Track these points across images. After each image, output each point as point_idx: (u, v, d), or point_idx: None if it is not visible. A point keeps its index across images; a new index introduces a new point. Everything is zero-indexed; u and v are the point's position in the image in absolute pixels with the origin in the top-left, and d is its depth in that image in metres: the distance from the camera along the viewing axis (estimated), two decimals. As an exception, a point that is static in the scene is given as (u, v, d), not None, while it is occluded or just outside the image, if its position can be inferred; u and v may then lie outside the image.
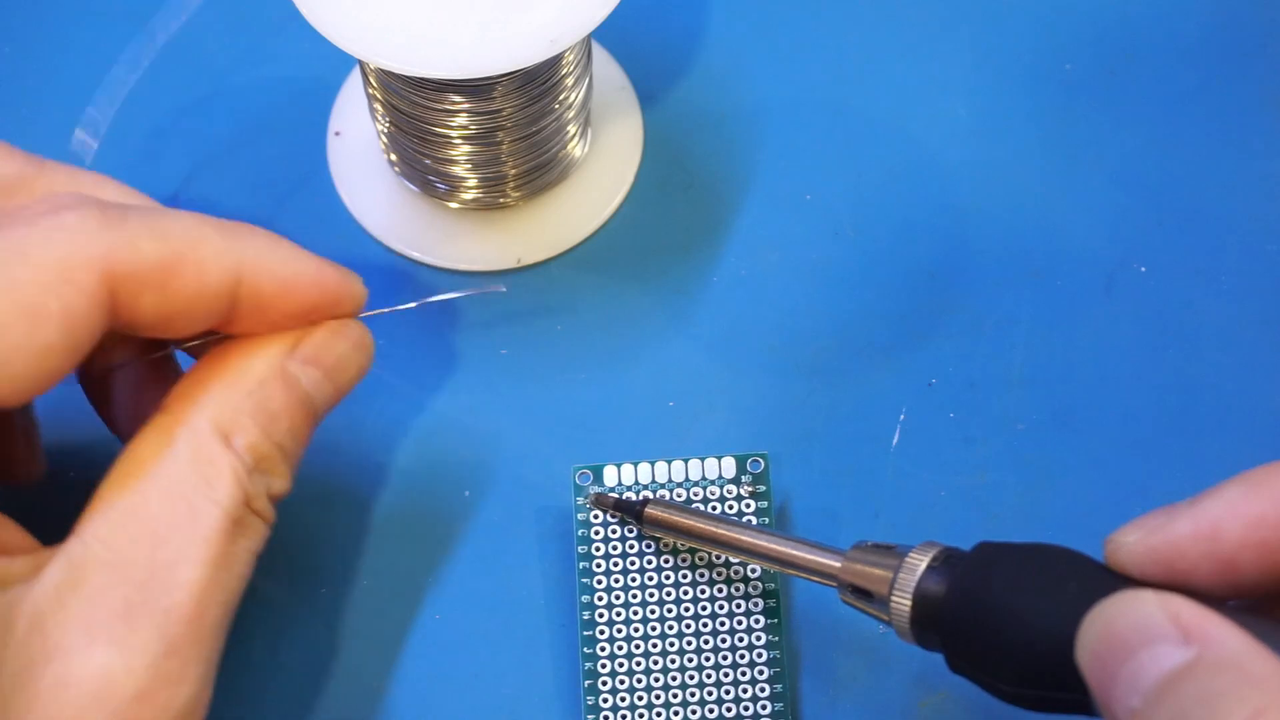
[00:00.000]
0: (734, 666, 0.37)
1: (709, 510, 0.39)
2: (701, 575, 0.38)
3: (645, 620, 0.38)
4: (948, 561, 0.31)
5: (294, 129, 0.46)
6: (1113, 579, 0.29)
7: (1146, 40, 0.47)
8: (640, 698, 0.37)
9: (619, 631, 0.38)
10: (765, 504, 0.39)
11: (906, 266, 0.44)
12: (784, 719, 0.37)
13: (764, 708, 0.37)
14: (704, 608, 0.38)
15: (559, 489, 0.40)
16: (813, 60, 0.47)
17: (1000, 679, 0.29)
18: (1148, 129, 0.46)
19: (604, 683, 0.37)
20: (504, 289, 0.41)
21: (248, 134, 0.46)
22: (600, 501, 0.39)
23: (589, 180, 0.45)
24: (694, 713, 0.37)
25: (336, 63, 0.46)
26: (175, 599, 0.30)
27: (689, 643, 0.38)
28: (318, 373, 0.34)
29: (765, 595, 0.38)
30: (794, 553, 0.35)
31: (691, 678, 0.37)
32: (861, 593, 0.33)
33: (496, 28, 0.37)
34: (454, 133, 0.41)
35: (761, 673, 0.37)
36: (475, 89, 0.40)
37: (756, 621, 0.38)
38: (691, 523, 0.37)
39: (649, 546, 0.39)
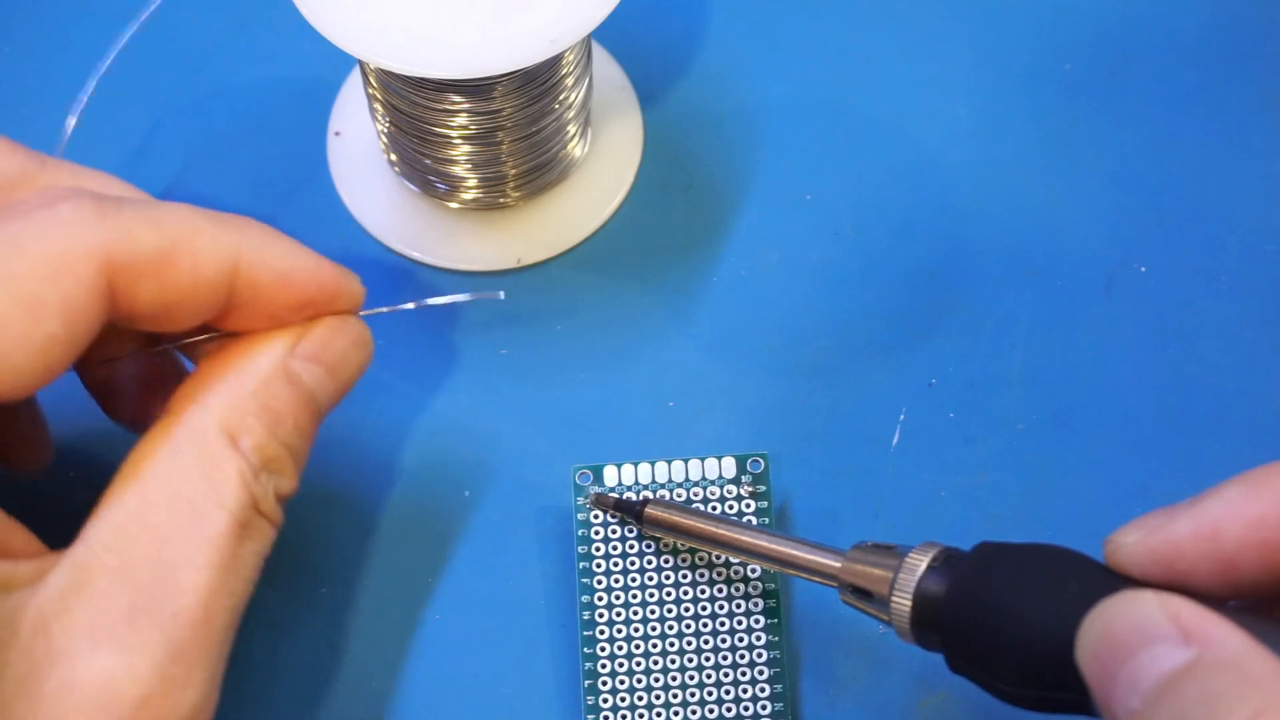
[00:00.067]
0: (734, 666, 0.37)
1: (709, 510, 0.39)
2: (701, 575, 0.38)
3: (645, 620, 0.38)
4: (948, 562, 0.31)
5: (294, 129, 0.46)
6: (1113, 579, 0.29)
7: (1146, 40, 0.47)
8: (640, 698, 0.37)
9: (619, 631, 0.38)
10: (765, 504, 0.39)
11: (906, 266, 0.44)
12: (784, 719, 0.37)
13: (764, 708, 0.37)
14: (704, 608, 0.38)
15: (559, 489, 0.40)
16: (813, 60, 0.47)
17: (1000, 679, 0.29)
18: (1148, 129, 0.46)
19: (604, 683, 0.37)
20: (502, 295, 0.41)
21: (248, 134, 0.46)
22: (600, 501, 0.39)
23: (589, 180, 0.45)
24: (694, 713, 0.37)
25: (336, 63, 0.46)
26: (181, 603, 0.30)
27: (689, 643, 0.38)
28: (320, 370, 0.34)
29: (765, 595, 0.38)
30: (794, 553, 0.35)
31: (691, 678, 0.37)
32: (862, 593, 0.33)
33: (496, 28, 0.37)
34: (454, 133, 0.41)
35: (761, 673, 0.37)
36: (475, 89, 0.40)
37: (756, 621, 0.38)
38: (691, 523, 0.37)
39: (649, 547, 0.39)
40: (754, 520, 0.39)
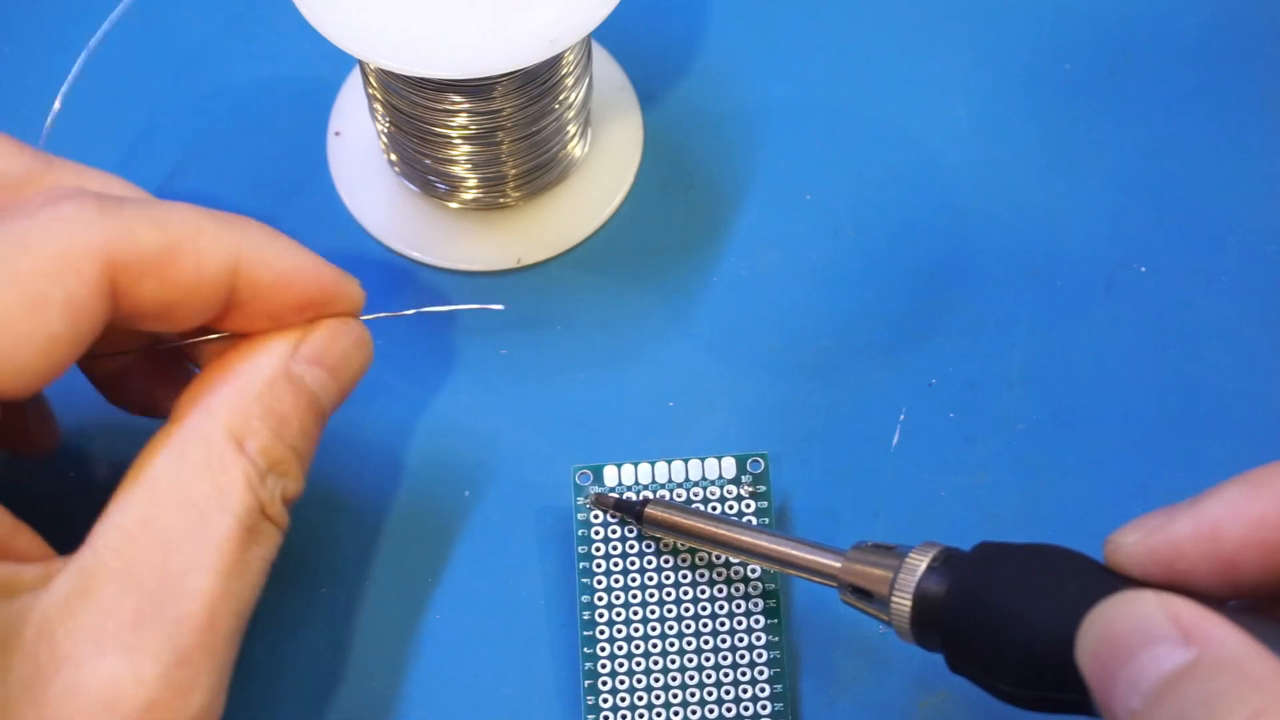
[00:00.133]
0: (734, 666, 0.37)
1: (709, 510, 0.39)
2: (701, 575, 0.38)
3: (645, 620, 0.38)
4: (948, 562, 0.31)
5: (294, 129, 0.46)
6: (1113, 579, 0.29)
7: (1146, 40, 0.47)
8: (640, 698, 0.37)
9: (619, 631, 0.38)
10: (765, 504, 0.39)
11: (906, 266, 0.44)
12: (784, 719, 0.37)
13: (764, 708, 0.37)
14: (704, 608, 0.38)
15: (559, 489, 0.40)
16: (813, 60, 0.47)
17: (1000, 679, 0.29)
18: (1148, 129, 0.46)
19: (604, 683, 0.37)
20: (502, 307, 0.41)
21: (248, 134, 0.46)
22: (600, 501, 0.39)
23: (589, 180, 0.45)
24: (694, 713, 0.37)
25: (336, 63, 0.46)
26: (187, 608, 0.30)
27: (689, 643, 0.38)
28: (322, 372, 0.34)
29: (765, 595, 0.38)
30: (794, 553, 0.35)
31: (691, 678, 0.37)
32: (862, 593, 0.33)
33: (496, 28, 0.37)
34: (454, 133, 0.41)
35: (761, 673, 0.37)
36: (475, 89, 0.40)
37: (756, 622, 0.38)
38: (692, 523, 0.37)
39: (649, 547, 0.39)
40: (754, 520, 0.39)
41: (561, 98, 0.42)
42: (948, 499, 0.40)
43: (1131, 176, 0.45)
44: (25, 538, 0.31)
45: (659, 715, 0.37)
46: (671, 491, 0.39)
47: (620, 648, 0.38)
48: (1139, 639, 0.25)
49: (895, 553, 0.32)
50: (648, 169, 0.45)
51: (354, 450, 0.41)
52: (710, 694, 0.37)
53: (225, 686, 0.31)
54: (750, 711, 0.37)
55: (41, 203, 0.31)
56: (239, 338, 0.34)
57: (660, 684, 0.37)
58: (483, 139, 0.41)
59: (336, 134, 0.46)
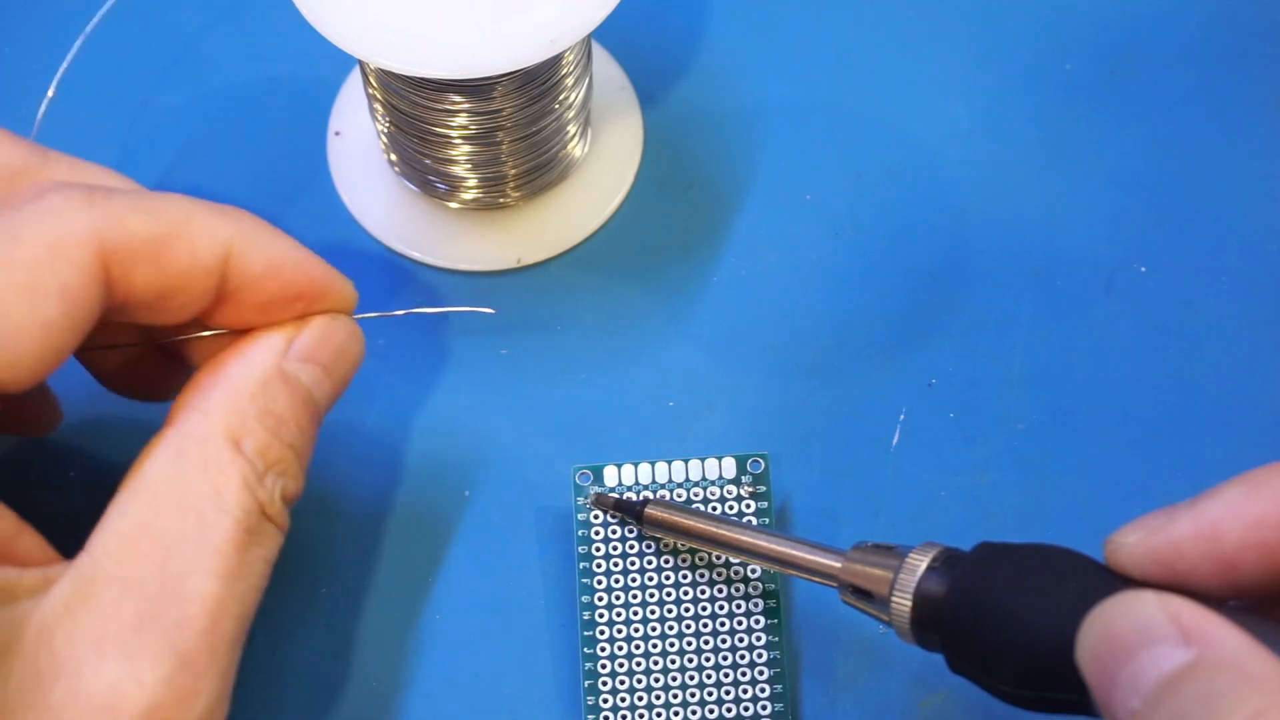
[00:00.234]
0: (734, 667, 0.37)
1: (709, 511, 0.39)
2: (702, 576, 0.38)
3: (645, 620, 0.38)
4: (948, 562, 0.31)
5: (294, 129, 0.46)
6: (1113, 579, 0.29)
7: (1146, 40, 0.47)
8: (640, 698, 0.37)
9: (619, 632, 0.38)
10: (765, 504, 0.39)
11: (906, 266, 0.44)
12: (784, 719, 0.37)
13: (764, 708, 0.37)
14: (704, 608, 0.38)
15: (559, 489, 0.40)
16: (813, 60, 0.47)
17: (1000, 679, 0.29)
18: (1148, 129, 0.46)
19: (604, 683, 0.37)
20: (492, 310, 0.41)
21: (248, 134, 0.46)
22: (600, 501, 0.39)
23: (589, 180, 0.45)
24: (694, 713, 0.37)
25: (336, 63, 0.46)
26: (187, 612, 0.30)
27: (689, 643, 0.38)
28: (315, 369, 0.34)
29: (765, 595, 0.38)
30: (794, 553, 0.35)
31: (692, 678, 0.37)
32: (862, 593, 0.33)
33: (496, 28, 0.37)
34: (454, 133, 0.41)
35: (761, 673, 0.37)
36: (475, 89, 0.40)
37: (757, 622, 0.38)
38: (692, 523, 0.37)
39: (649, 547, 0.39)
40: (754, 521, 0.39)
41: (561, 98, 0.42)
42: (948, 499, 0.40)
43: (1131, 176, 0.45)
44: (28, 540, 0.31)
45: (659, 715, 0.37)
46: (672, 492, 0.39)
47: (620, 648, 0.38)
48: (1139, 639, 0.25)
49: (895, 553, 0.32)
50: (648, 169, 0.45)
51: (355, 451, 0.41)
52: (710, 694, 0.37)
53: (229, 689, 0.31)
54: (750, 711, 0.37)
55: (30, 196, 0.31)
56: (233, 335, 0.34)
57: (660, 684, 0.37)
58: (483, 139, 0.41)
59: (336, 134, 0.46)
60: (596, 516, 0.39)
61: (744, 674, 0.37)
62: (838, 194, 0.45)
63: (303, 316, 0.35)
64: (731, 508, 0.39)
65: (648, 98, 0.46)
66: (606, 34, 0.46)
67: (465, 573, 0.40)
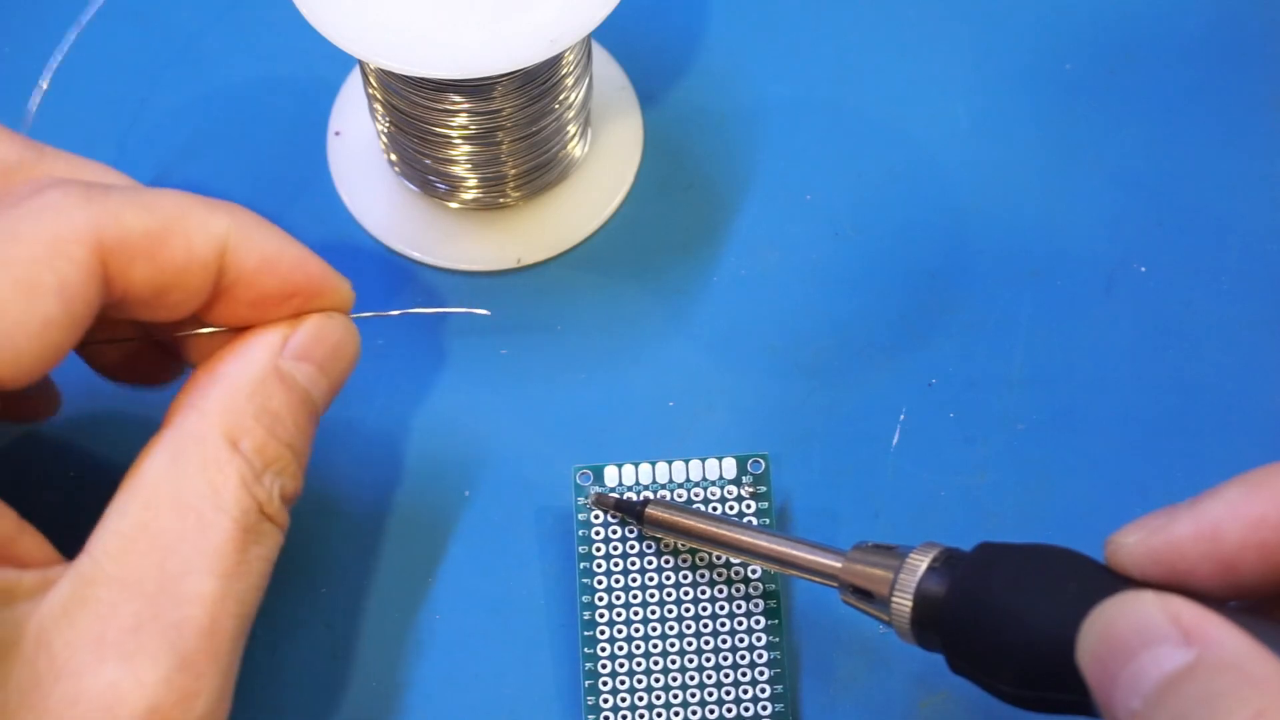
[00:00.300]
0: (734, 667, 0.37)
1: (710, 511, 0.39)
2: (702, 576, 0.38)
3: (646, 620, 0.38)
4: (948, 562, 0.31)
5: (294, 129, 0.46)
6: (1113, 580, 0.29)
7: (1146, 40, 0.47)
8: (641, 698, 0.37)
9: (619, 632, 0.38)
10: (766, 504, 0.39)
11: (906, 266, 0.44)
12: (784, 719, 0.37)
13: (764, 708, 0.37)
14: (704, 608, 0.38)
15: (559, 489, 0.40)
16: (813, 60, 0.47)
17: (1000, 680, 0.29)
18: (1148, 129, 0.46)
19: (604, 683, 0.37)
20: (488, 312, 0.41)
21: (248, 134, 0.46)
22: (601, 501, 0.39)
23: (589, 180, 0.45)
24: (694, 713, 0.37)
25: (336, 63, 0.46)
26: (186, 612, 0.30)
27: (689, 643, 0.38)
28: (311, 368, 0.34)
29: (766, 596, 0.38)
30: (795, 553, 0.35)
31: (692, 678, 0.37)
32: (862, 593, 0.33)
33: (496, 28, 0.37)
34: (454, 133, 0.41)
35: (762, 673, 0.37)
36: (475, 89, 0.40)
37: (757, 622, 0.38)
38: (692, 523, 0.37)
39: (649, 547, 0.39)
40: (754, 521, 0.39)
41: (561, 98, 0.42)
42: (948, 499, 0.40)
43: (1131, 176, 0.45)
44: (29, 540, 0.31)
45: (659, 715, 0.37)
46: (672, 492, 0.39)
47: (621, 648, 0.38)
48: (1139, 640, 0.25)
49: (896, 553, 0.32)
50: (648, 169, 0.45)
51: (355, 451, 0.41)
52: (710, 694, 0.37)
53: (230, 689, 0.31)
54: (750, 712, 0.37)
55: (27, 193, 0.31)
56: (230, 333, 0.34)
57: (661, 684, 0.37)
58: (483, 139, 0.41)
59: (336, 134, 0.46)
60: (597, 516, 0.39)
61: (744, 674, 0.37)
62: (838, 194, 0.45)
63: (299, 314, 0.35)
64: (732, 508, 0.39)
65: (648, 98, 0.46)
66: (606, 34, 0.46)
67: (465, 573, 0.40)
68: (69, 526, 0.32)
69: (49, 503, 0.33)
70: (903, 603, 0.31)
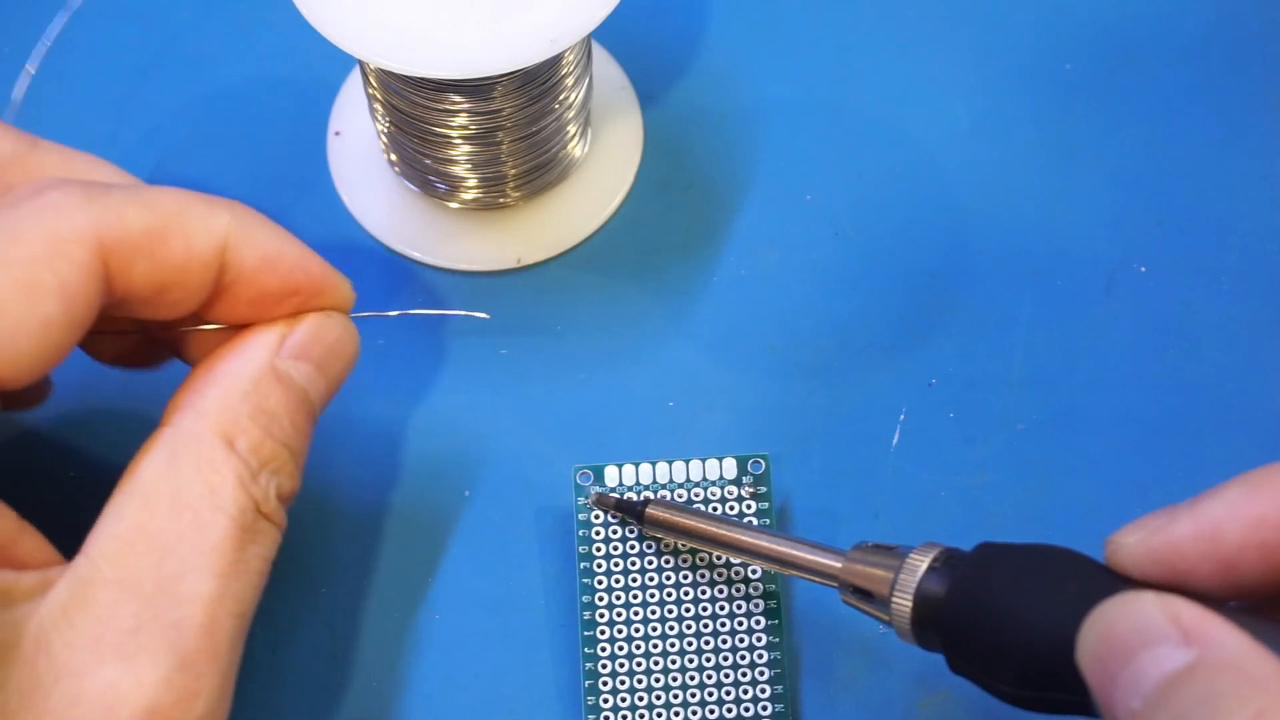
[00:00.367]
0: (734, 667, 0.37)
1: (710, 511, 0.39)
2: (702, 576, 0.38)
3: (646, 621, 0.38)
4: (948, 562, 0.31)
5: (294, 129, 0.46)
6: (1113, 580, 0.29)
7: (1146, 40, 0.47)
8: (641, 698, 0.37)
9: (620, 632, 0.38)
10: (766, 505, 0.39)
11: (906, 266, 0.44)
12: (784, 719, 0.37)
13: (764, 708, 0.37)
14: (705, 608, 0.38)
15: (559, 489, 0.40)
16: (813, 60, 0.47)
17: (1000, 680, 0.29)
18: (1148, 129, 0.46)
19: (604, 683, 0.37)
20: (487, 316, 0.41)
21: (248, 134, 0.46)
22: (602, 501, 0.39)
23: (589, 180, 0.45)
24: (694, 713, 0.37)
25: (336, 63, 0.46)
26: (185, 612, 0.30)
27: (690, 643, 0.38)
28: (308, 367, 0.34)
29: (766, 596, 0.38)
30: (795, 553, 0.35)
31: (692, 678, 0.37)
32: (862, 593, 0.33)
33: (496, 28, 0.37)
34: (454, 133, 0.41)
35: (762, 673, 0.37)
36: (475, 89, 0.40)
37: (757, 622, 0.38)
38: (693, 523, 0.37)
39: (650, 547, 0.39)
40: (755, 521, 0.39)
41: (561, 98, 0.42)
42: (948, 499, 0.40)
43: (1131, 176, 0.45)
44: (29, 541, 0.31)
45: (659, 715, 0.37)
46: (672, 492, 0.39)
47: (621, 648, 0.38)
48: (1140, 640, 0.25)
49: (896, 553, 0.32)
50: (648, 169, 0.45)
51: (354, 450, 0.41)
52: (711, 694, 0.37)
53: (230, 689, 0.31)
54: (751, 712, 0.37)
55: (28, 193, 0.31)
56: (228, 332, 0.34)
57: (661, 684, 0.37)
58: (483, 139, 0.41)
59: (336, 134, 0.46)
60: (597, 516, 0.39)
61: (744, 674, 0.37)
62: (838, 194, 0.45)
63: (299, 313, 0.35)
64: (732, 508, 0.39)
65: (648, 98, 0.46)
66: (606, 34, 0.46)
67: (465, 573, 0.40)
68: (69, 526, 0.32)
69: (49, 503, 0.33)
70: (903, 603, 0.31)
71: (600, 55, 0.46)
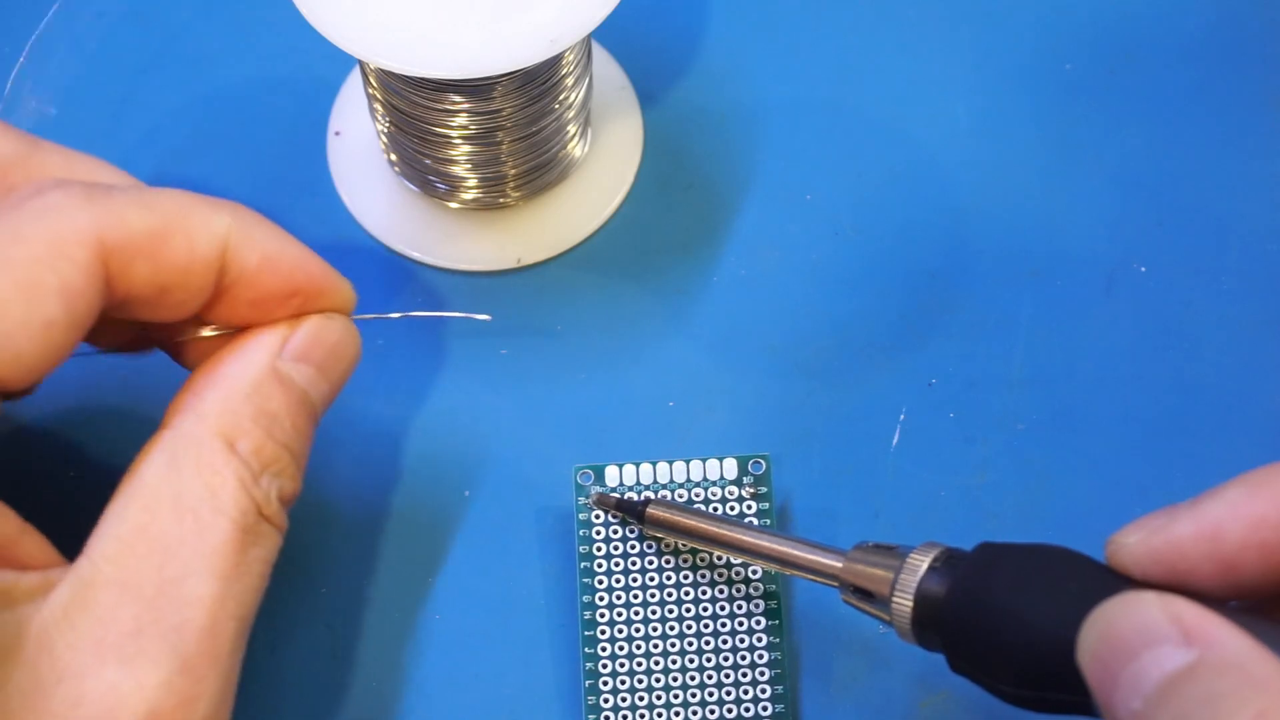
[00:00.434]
0: (735, 667, 0.37)
1: (711, 511, 0.39)
2: (703, 576, 0.38)
3: (646, 621, 0.38)
4: (949, 562, 0.31)
5: (294, 129, 0.46)
6: (1114, 580, 0.29)
7: (1146, 40, 0.47)
8: (641, 698, 0.37)
9: (620, 632, 0.38)
10: (766, 505, 0.39)
11: (906, 266, 0.44)
12: (784, 719, 0.37)
13: (764, 708, 0.37)
14: (705, 608, 0.38)
15: (559, 489, 0.40)
16: (813, 60, 0.47)
17: (1001, 680, 0.29)
18: (1148, 129, 0.46)
19: (605, 683, 0.37)
20: (489, 318, 0.41)
21: (248, 134, 0.46)
22: (603, 501, 0.39)
23: (589, 180, 0.45)
24: (694, 713, 0.37)
25: (336, 63, 0.46)
26: (186, 615, 0.30)
27: (690, 643, 0.38)
28: (310, 369, 0.34)
29: (766, 596, 0.38)
30: (796, 553, 0.35)
31: (692, 678, 0.37)
32: (863, 593, 0.33)
33: (496, 28, 0.37)
34: (454, 133, 0.41)
35: (762, 673, 0.37)
36: (475, 89, 0.40)
37: (757, 623, 0.38)
38: (693, 523, 0.37)
39: (650, 547, 0.39)
40: (755, 521, 0.39)
41: (561, 98, 0.42)
42: (948, 499, 0.40)
43: (1131, 176, 0.45)
44: (31, 542, 0.31)
45: (660, 715, 0.37)
46: (673, 492, 0.39)
47: (621, 648, 0.38)
48: (1141, 640, 0.25)
49: (896, 553, 0.32)
50: (648, 169, 0.45)
51: (354, 451, 0.41)
52: (711, 694, 0.37)
53: (231, 691, 0.31)
54: (751, 712, 0.37)
55: (29, 193, 0.31)
56: (229, 335, 0.34)
57: (661, 684, 0.37)
58: (483, 139, 0.41)
59: (336, 134, 0.46)
60: (598, 516, 0.39)
61: (744, 674, 0.37)
62: (838, 194, 0.45)
63: (299, 315, 0.35)
64: (733, 509, 0.39)
65: (648, 98, 0.46)
66: (606, 34, 0.46)
67: (465, 573, 0.40)
68: (69, 527, 0.32)
69: (49, 503, 0.33)
70: (903, 603, 0.31)
71: (600, 55, 0.46)
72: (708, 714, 0.37)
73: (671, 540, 0.38)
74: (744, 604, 0.38)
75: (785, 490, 0.40)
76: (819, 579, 0.34)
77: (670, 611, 0.38)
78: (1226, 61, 0.47)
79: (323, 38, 0.37)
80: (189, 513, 0.31)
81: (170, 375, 0.36)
